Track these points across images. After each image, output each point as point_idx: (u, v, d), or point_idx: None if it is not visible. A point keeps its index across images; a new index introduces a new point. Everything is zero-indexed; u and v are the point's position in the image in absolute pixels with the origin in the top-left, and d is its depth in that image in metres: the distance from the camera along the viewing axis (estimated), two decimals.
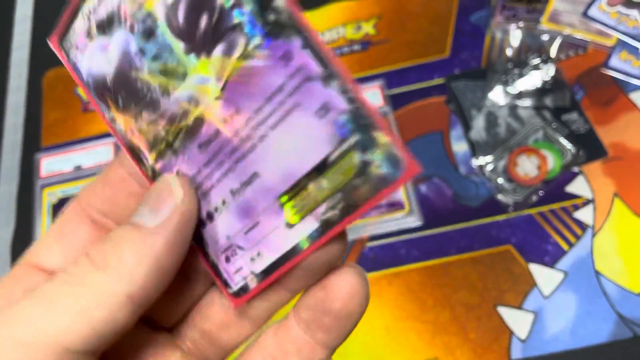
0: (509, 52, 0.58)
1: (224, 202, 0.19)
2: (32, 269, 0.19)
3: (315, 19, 0.64)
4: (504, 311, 0.47)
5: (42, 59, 0.66)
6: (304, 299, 0.19)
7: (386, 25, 0.62)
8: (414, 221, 0.52)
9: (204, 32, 0.17)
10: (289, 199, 0.17)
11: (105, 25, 0.18)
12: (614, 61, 0.56)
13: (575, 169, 0.52)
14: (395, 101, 0.57)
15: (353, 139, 0.16)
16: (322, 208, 0.17)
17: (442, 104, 0.57)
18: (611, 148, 0.52)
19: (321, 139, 0.16)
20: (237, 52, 0.17)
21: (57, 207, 0.57)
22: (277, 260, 0.18)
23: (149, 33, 0.18)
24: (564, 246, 0.49)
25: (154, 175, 0.20)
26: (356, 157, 0.16)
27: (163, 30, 0.18)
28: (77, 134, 0.61)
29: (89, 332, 0.16)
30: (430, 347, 0.47)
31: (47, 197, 0.58)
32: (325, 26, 0.63)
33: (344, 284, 0.18)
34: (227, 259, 0.19)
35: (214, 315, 0.21)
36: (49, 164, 0.60)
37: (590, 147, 0.52)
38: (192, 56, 0.17)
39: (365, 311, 0.19)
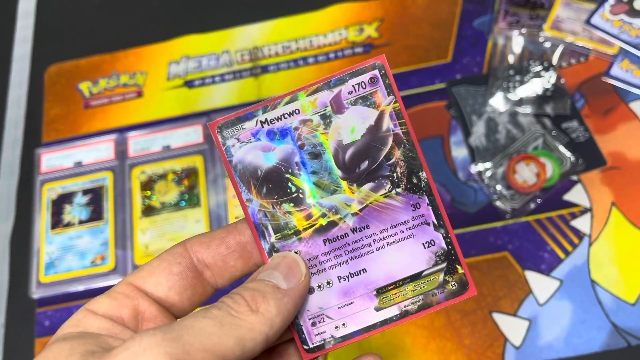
0: (510, 59, 0.58)
1: (328, 283, 0.26)
2: (136, 289, 0.25)
3: (317, 20, 0.64)
4: (499, 317, 0.48)
5: (45, 54, 0.66)
6: None
7: (389, 29, 0.62)
8: None
9: (361, 171, 0.26)
10: (385, 292, 0.26)
11: (276, 135, 0.26)
12: (616, 70, 0.56)
13: (574, 178, 0.52)
14: None
15: (443, 265, 0.26)
16: (406, 302, 0.26)
17: (442, 108, 0.57)
18: (610, 157, 0.52)
19: (422, 260, 0.26)
20: (382, 192, 0.26)
21: (57, 203, 0.57)
22: (358, 330, 0.26)
23: (315, 155, 0.26)
24: (561, 254, 0.49)
25: (271, 249, 0.26)
26: (441, 277, 0.26)
27: (329, 157, 0.26)
28: (79, 130, 0.61)
29: (240, 355, 0.22)
30: (425, 352, 0.47)
31: (47, 193, 0.58)
32: (327, 28, 0.63)
33: None
34: (314, 324, 0.26)
35: None
36: (50, 160, 0.60)
37: (589, 156, 0.52)
38: (346, 183, 0.26)
39: None
